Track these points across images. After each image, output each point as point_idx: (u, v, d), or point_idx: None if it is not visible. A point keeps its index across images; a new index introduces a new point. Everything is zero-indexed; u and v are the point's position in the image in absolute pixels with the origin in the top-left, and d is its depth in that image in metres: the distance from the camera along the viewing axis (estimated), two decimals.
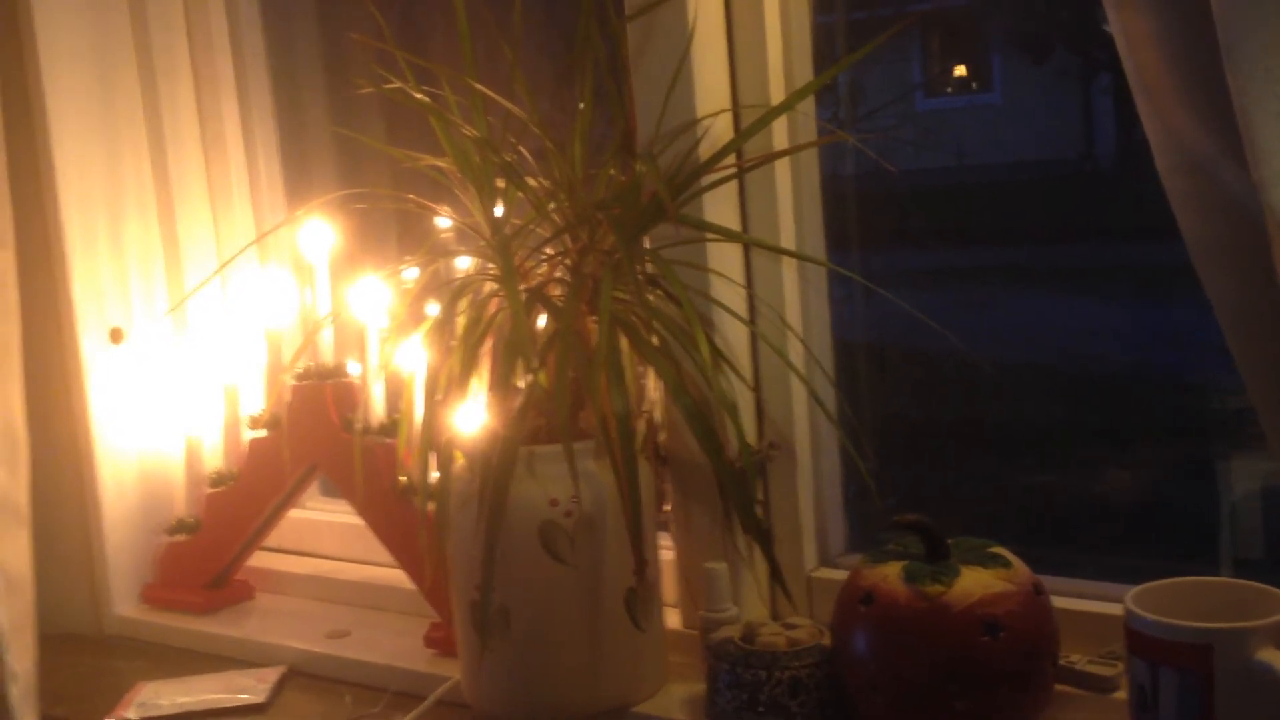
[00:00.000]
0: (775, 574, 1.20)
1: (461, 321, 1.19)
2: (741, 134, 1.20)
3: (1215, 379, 1.35)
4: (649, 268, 1.19)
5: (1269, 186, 0.75)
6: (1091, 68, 1.63)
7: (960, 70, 1.78)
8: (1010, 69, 1.75)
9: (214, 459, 1.65)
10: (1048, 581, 1.06)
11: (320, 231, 1.47)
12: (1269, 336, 0.84)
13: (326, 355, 1.49)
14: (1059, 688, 1.07)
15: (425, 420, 1.12)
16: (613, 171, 1.23)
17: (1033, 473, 1.53)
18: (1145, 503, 1.47)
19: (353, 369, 1.49)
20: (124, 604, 1.59)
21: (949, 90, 1.79)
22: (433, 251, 1.33)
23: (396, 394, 1.39)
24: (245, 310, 1.66)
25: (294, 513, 1.62)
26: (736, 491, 1.16)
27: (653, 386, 1.28)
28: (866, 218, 1.43)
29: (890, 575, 1.03)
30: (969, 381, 1.49)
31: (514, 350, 1.09)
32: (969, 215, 1.69)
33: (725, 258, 1.24)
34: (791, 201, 1.27)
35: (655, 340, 1.17)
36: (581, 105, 1.21)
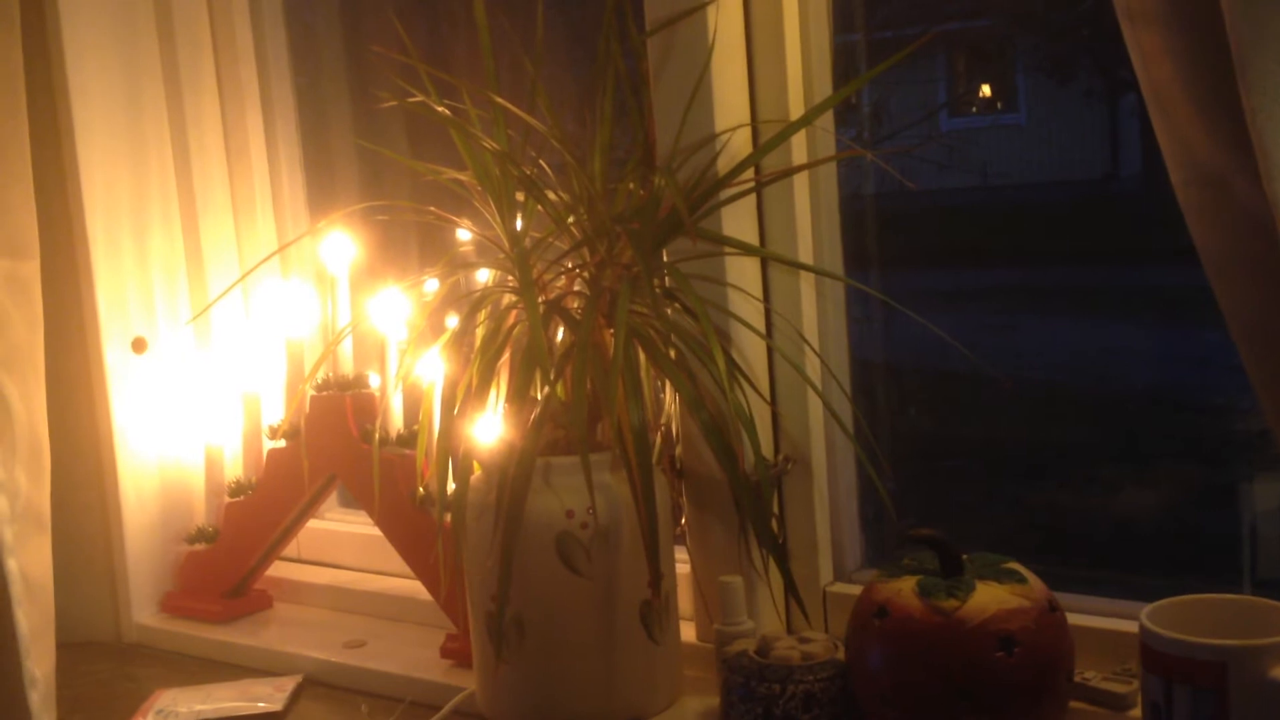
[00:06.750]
0: (790, 588, 1.20)
1: (480, 333, 1.20)
2: (760, 148, 1.21)
3: (1237, 401, 1.35)
4: (667, 281, 1.19)
5: None
6: (1116, 89, 1.63)
7: (985, 90, 1.78)
8: (1035, 90, 1.74)
9: (234, 468, 1.66)
10: (1065, 600, 1.05)
11: (341, 243, 1.48)
12: None
13: (346, 366, 1.50)
14: (1074, 704, 1.06)
15: (443, 431, 1.13)
16: (632, 185, 1.24)
17: (1053, 492, 1.53)
18: (1166, 523, 1.46)
19: (372, 380, 1.50)
20: (143, 612, 1.60)
21: (974, 110, 1.79)
22: (452, 264, 1.34)
23: (415, 405, 1.39)
24: (266, 321, 1.67)
25: (312, 523, 1.63)
26: (752, 505, 1.16)
27: (669, 400, 1.29)
28: (887, 237, 1.43)
29: (905, 590, 1.03)
30: (989, 401, 1.48)
31: (532, 362, 1.09)
32: (992, 235, 1.69)
33: (743, 272, 1.25)
34: (810, 218, 1.27)
35: (672, 353, 1.17)
36: (601, 120, 1.21)
